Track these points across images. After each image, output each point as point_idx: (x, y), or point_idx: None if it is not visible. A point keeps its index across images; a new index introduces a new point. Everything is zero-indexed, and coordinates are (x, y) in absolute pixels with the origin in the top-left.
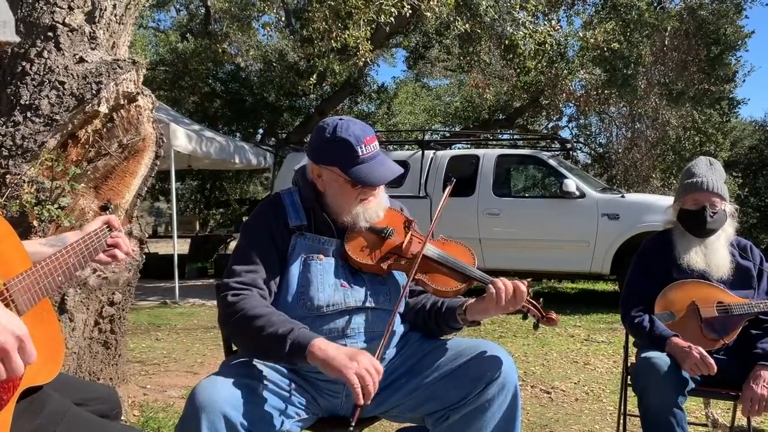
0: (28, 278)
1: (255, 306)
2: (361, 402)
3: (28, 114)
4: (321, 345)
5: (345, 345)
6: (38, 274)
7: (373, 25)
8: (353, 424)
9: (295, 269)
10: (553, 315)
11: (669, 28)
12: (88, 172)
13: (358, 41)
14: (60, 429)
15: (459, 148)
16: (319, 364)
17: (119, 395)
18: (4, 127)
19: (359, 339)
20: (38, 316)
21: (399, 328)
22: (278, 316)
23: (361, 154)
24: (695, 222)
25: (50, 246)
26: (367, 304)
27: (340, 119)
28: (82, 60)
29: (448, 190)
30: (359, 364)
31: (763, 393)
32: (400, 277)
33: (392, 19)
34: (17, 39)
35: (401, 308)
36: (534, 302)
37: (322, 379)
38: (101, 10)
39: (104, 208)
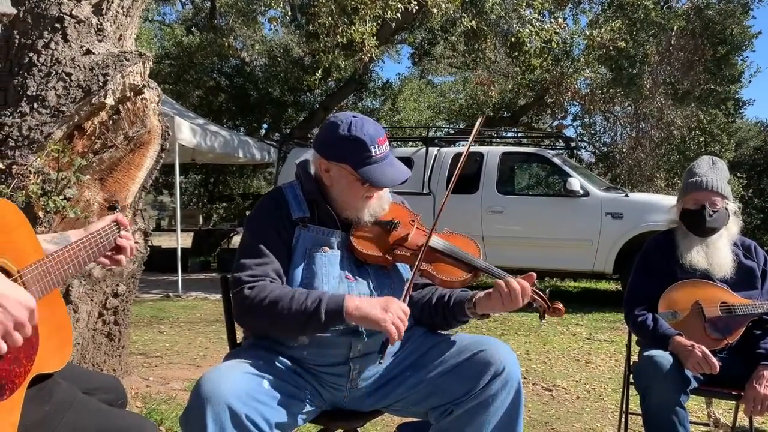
0: (41, 267)
1: (274, 289)
2: (395, 342)
3: (35, 105)
4: (355, 304)
5: (349, 338)
6: (50, 264)
7: (379, 21)
8: (381, 359)
9: (299, 261)
10: (560, 305)
11: (675, 28)
12: (94, 164)
13: (363, 37)
14: (67, 417)
15: (463, 145)
16: (356, 321)
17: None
18: (11, 117)
19: (363, 332)
20: (49, 305)
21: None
22: (299, 293)
23: (374, 154)
24: (695, 221)
25: (54, 244)
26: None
27: (354, 116)
28: (89, 52)
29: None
30: (393, 314)
31: (766, 393)
32: (405, 270)
33: (398, 15)
34: (13, 10)
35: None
36: (540, 293)
37: (326, 372)
38: (108, 2)
39: (112, 209)
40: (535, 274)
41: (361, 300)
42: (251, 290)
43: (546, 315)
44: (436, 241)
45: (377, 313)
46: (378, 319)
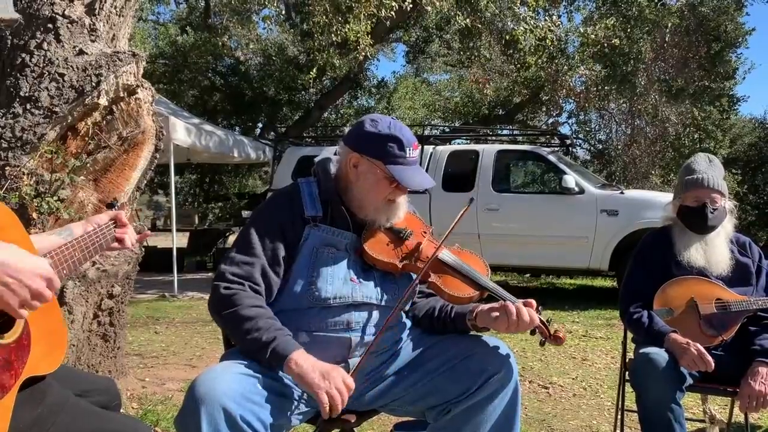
0: None
1: (245, 305)
2: (326, 417)
3: (28, 106)
4: (298, 360)
5: (349, 338)
6: None
7: (374, 19)
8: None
9: (305, 259)
10: (561, 334)
11: (669, 25)
12: (88, 165)
13: (358, 35)
14: (60, 419)
15: (458, 144)
16: (293, 377)
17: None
18: (4, 119)
19: (361, 334)
20: (43, 307)
21: (404, 321)
22: (265, 321)
23: (407, 156)
24: (696, 218)
25: (57, 235)
26: (374, 301)
27: (392, 119)
28: (81, 52)
29: (465, 209)
30: (331, 383)
31: (761, 389)
32: (412, 279)
33: (393, 13)
34: (17, 16)
35: (405, 307)
36: (543, 320)
37: None
38: (101, 2)
39: (110, 206)
40: (535, 302)
41: (307, 359)
42: (226, 291)
43: (547, 342)
44: (447, 256)
45: (314, 377)
46: (312, 384)
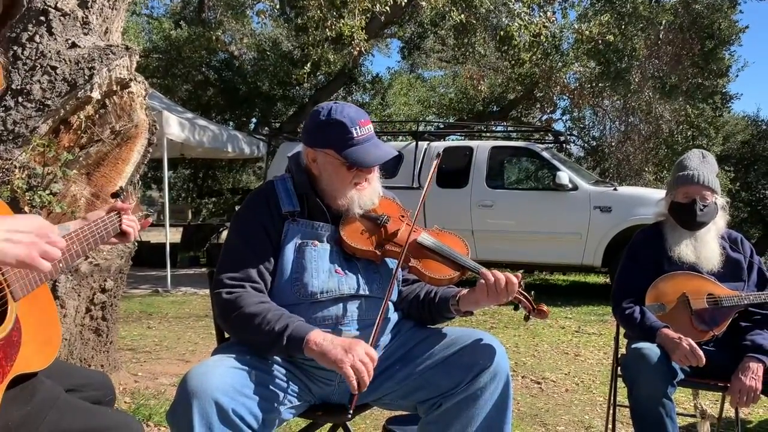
0: None
1: (250, 303)
2: (356, 392)
3: (20, 99)
4: (317, 339)
5: (340, 332)
6: None
7: (368, 15)
8: (351, 411)
9: (289, 255)
10: (544, 307)
11: (663, 22)
12: (81, 159)
13: (353, 30)
14: (50, 416)
15: (453, 140)
16: (315, 358)
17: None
18: None
19: (352, 327)
20: (35, 302)
21: (392, 315)
22: (273, 313)
23: (356, 135)
24: (685, 215)
25: None
26: (361, 292)
27: (335, 103)
28: (74, 45)
29: (435, 163)
30: (354, 356)
31: (752, 384)
32: (393, 265)
33: (387, 8)
34: None
35: (393, 296)
36: (525, 294)
37: (315, 366)
38: None
39: (115, 195)
40: (520, 275)
41: (326, 337)
42: (229, 296)
43: (531, 316)
44: (425, 239)
45: (336, 353)
46: (336, 359)
